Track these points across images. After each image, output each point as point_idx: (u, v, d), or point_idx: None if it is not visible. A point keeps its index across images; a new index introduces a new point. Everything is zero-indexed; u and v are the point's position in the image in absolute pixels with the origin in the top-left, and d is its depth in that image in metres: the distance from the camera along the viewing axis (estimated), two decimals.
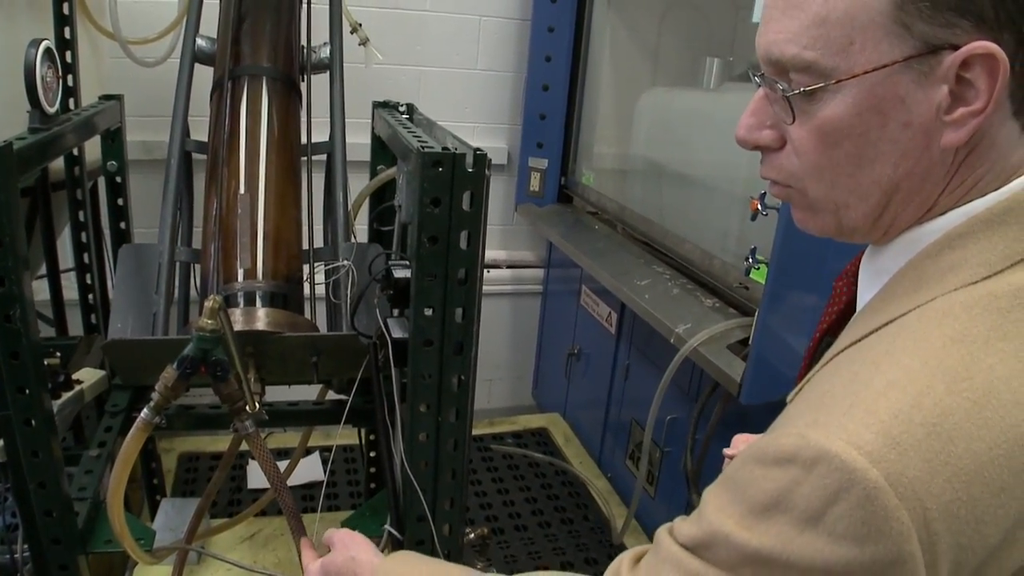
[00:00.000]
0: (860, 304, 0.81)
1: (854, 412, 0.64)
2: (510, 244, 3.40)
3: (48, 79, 1.45)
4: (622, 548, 2.21)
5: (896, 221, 0.74)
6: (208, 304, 1.13)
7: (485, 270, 3.32)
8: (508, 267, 3.39)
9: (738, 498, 0.69)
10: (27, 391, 1.31)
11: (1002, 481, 0.61)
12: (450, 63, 3.10)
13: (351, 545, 1.14)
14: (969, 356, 0.64)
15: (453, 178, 1.24)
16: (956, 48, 0.65)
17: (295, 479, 2.54)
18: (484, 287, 3.33)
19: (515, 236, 3.39)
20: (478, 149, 1.26)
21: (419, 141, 1.35)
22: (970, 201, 0.71)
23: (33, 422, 1.34)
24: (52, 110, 1.45)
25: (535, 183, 3.12)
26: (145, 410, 1.14)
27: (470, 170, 1.24)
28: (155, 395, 1.14)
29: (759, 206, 1.81)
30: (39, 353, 1.33)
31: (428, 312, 1.30)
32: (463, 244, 1.28)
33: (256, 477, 2.66)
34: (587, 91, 3.05)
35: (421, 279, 1.28)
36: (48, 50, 1.45)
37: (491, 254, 3.37)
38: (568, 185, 3.14)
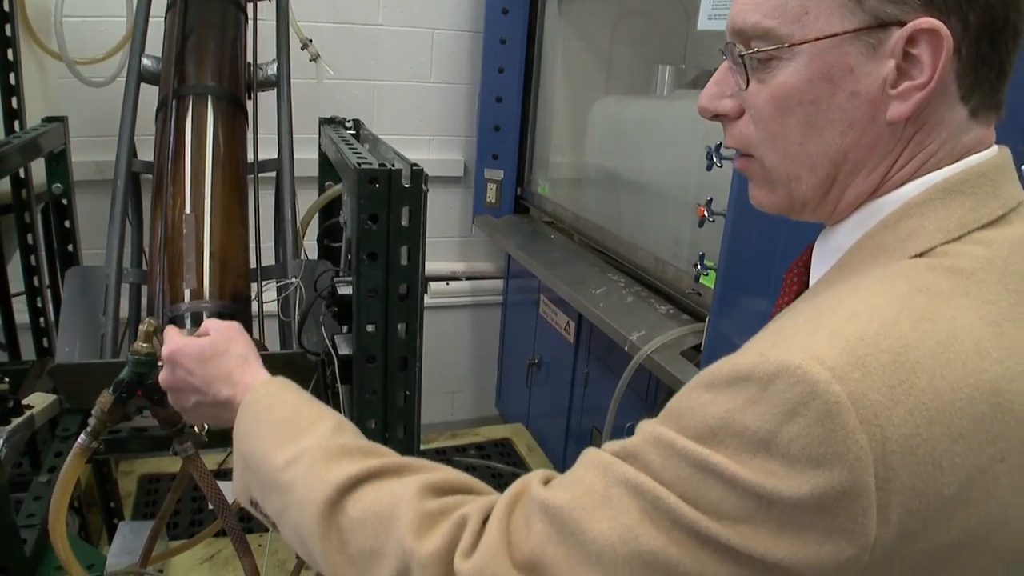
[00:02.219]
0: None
1: (818, 333, 0.63)
2: (469, 256, 3.41)
3: None
4: None
5: (845, 195, 0.76)
6: (142, 327, 1.13)
7: (444, 283, 3.35)
8: (467, 279, 3.40)
9: (680, 425, 0.65)
10: None
11: (961, 427, 0.60)
12: (404, 76, 3.11)
13: (232, 339, 1.06)
14: (932, 304, 0.64)
15: (390, 194, 1.24)
16: (903, 24, 0.68)
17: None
18: (444, 299, 3.36)
19: (473, 247, 3.40)
20: (415, 164, 1.26)
21: (358, 157, 1.36)
22: (926, 174, 0.73)
23: None
24: None
25: (491, 194, 3.14)
26: (82, 435, 1.13)
27: (407, 185, 1.25)
28: (92, 420, 1.13)
29: (706, 212, 1.84)
30: None
31: (370, 328, 1.31)
32: (403, 259, 1.29)
33: (230, 494, 2.64)
34: (541, 101, 3.08)
35: (362, 296, 1.29)
36: None
37: (450, 266, 3.38)
38: (524, 195, 3.16)
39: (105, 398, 1.13)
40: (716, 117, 0.81)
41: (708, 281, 1.91)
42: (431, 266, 3.37)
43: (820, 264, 0.82)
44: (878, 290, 0.66)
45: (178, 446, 1.22)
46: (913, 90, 0.70)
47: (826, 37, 0.70)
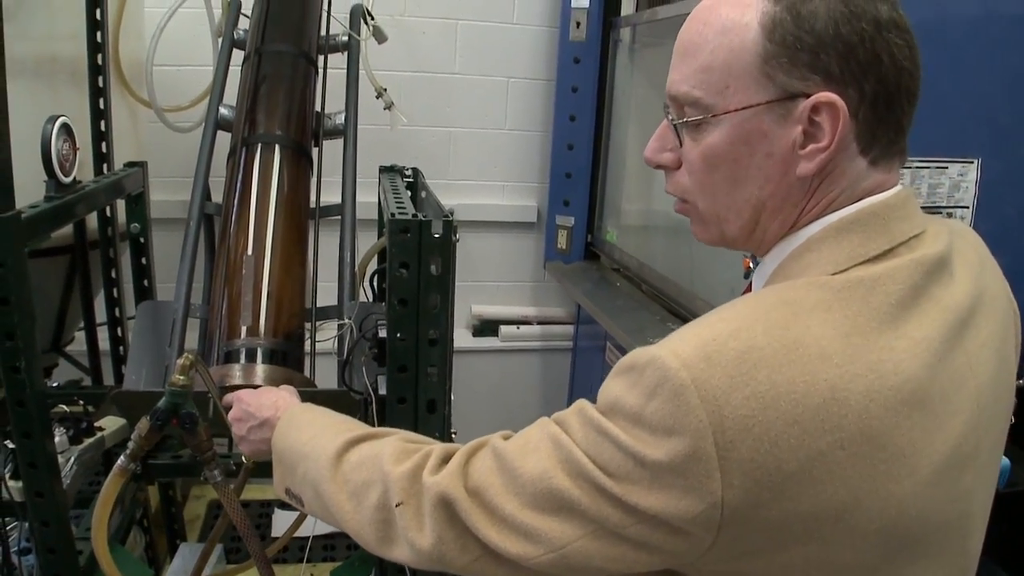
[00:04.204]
0: None
1: (685, 334, 0.78)
2: (540, 300, 3.45)
3: (64, 151, 1.57)
4: None
5: (767, 235, 0.89)
6: (180, 361, 1.22)
7: (515, 327, 3.39)
8: (538, 323, 3.44)
9: (596, 400, 0.83)
10: (31, 436, 1.41)
11: (796, 414, 0.73)
12: (479, 124, 3.20)
13: (283, 390, 1.33)
14: (792, 314, 0.78)
15: (420, 244, 1.31)
16: (808, 96, 0.81)
17: (307, 530, 2.60)
18: (516, 343, 3.39)
19: (545, 293, 3.44)
20: (447, 216, 1.33)
21: (396, 207, 1.43)
22: (828, 215, 0.86)
23: (37, 465, 1.43)
24: (67, 179, 1.57)
25: (562, 240, 3.19)
26: (121, 457, 1.22)
27: (436, 235, 1.31)
28: (131, 444, 1.22)
29: (751, 264, 1.84)
30: (44, 402, 1.43)
31: (402, 372, 1.37)
32: (434, 307, 1.35)
33: (281, 524, 2.73)
34: (612, 148, 3.11)
35: (394, 340, 1.35)
36: (65, 125, 1.57)
37: (522, 310, 3.43)
38: (594, 242, 3.19)
39: (143, 424, 1.22)
40: (659, 167, 0.94)
41: None
42: (503, 310, 3.43)
43: (756, 284, 0.94)
44: (751, 302, 0.81)
45: (208, 473, 1.29)
46: (817, 152, 0.82)
47: (743, 108, 0.84)
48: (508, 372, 3.43)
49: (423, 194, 1.91)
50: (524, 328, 3.42)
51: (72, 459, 1.75)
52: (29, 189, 1.60)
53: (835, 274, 0.81)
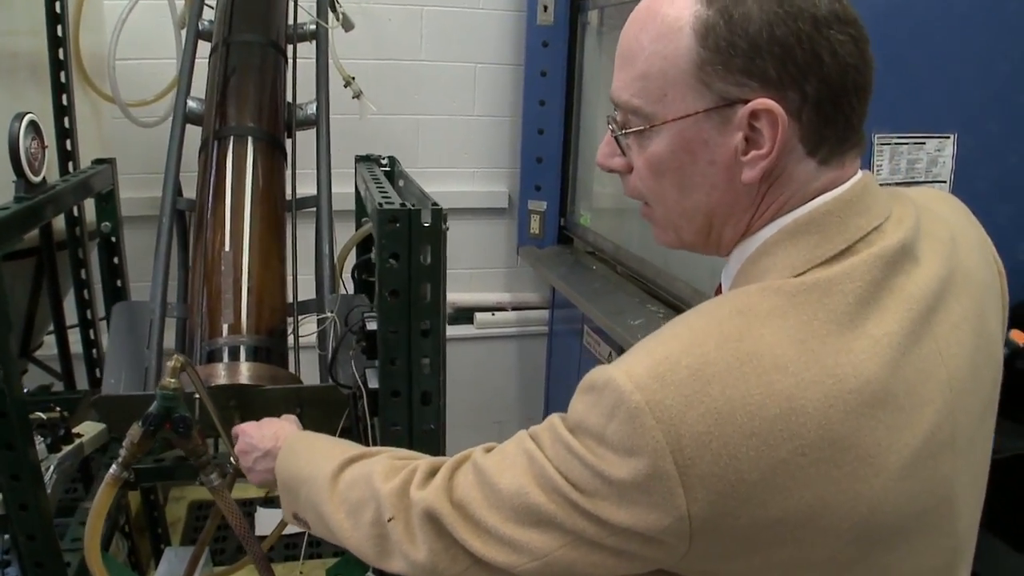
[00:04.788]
0: None
1: (639, 353, 0.79)
2: (514, 286, 3.43)
3: (33, 150, 1.52)
4: None
5: (723, 239, 0.89)
6: (171, 363, 1.18)
7: (490, 313, 3.37)
8: (513, 309, 3.42)
9: (565, 417, 0.83)
10: (13, 447, 1.36)
11: (753, 426, 0.73)
12: (447, 110, 3.16)
13: (284, 420, 1.35)
14: (746, 325, 0.77)
15: (410, 233, 1.28)
16: (746, 103, 0.79)
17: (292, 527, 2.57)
18: (490, 330, 3.37)
19: (519, 278, 3.42)
20: (435, 204, 1.30)
21: (382, 196, 1.40)
22: (781, 217, 0.85)
23: (20, 477, 1.39)
24: (36, 179, 1.52)
25: (535, 225, 3.17)
26: (113, 466, 1.18)
27: (427, 224, 1.28)
28: (122, 451, 1.19)
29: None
30: (25, 411, 1.38)
31: (394, 363, 1.34)
32: (425, 297, 1.32)
33: (264, 524, 2.69)
34: (582, 132, 3.10)
35: (385, 332, 1.32)
36: (32, 123, 1.52)
37: (496, 297, 3.41)
38: (568, 226, 3.18)
39: (135, 430, 1.18)
40: (612, 171, 0.93)
41: None
42: (477, 297, 3.40)
43: (724, 286, 0.94)
44: (705, 313, 0.81)
45: (204, 477, 1.26)
46: (758, 159, 0.81)
47: (682, 117, 0.82)
48: (484, 359, 3.41)
49: (401, 183, 1.88)
50: (499, 314, 3.40)
51: (52, 468, 1.71)
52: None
53: (793, 277, 0.81)
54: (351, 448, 1.13)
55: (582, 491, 0.79)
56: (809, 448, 0.73)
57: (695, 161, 0.84)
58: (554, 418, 0.85)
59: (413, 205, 1.29)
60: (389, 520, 0.95)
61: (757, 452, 0.73)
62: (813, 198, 0.84)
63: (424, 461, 1.00)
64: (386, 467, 1.00)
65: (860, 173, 0.86)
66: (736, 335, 0.76)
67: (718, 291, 1.00)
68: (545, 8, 2.97)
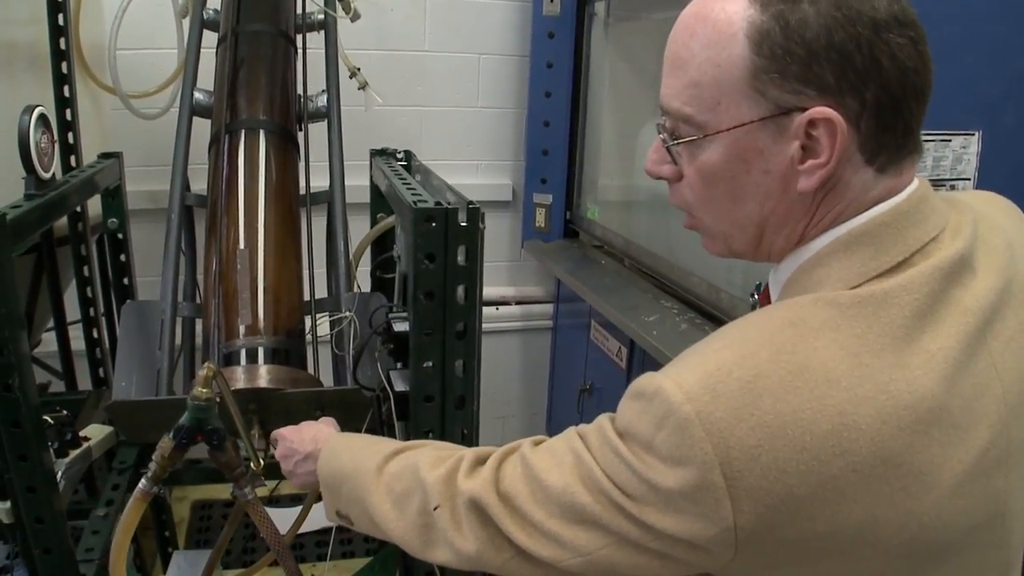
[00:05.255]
0: None
1: (690, 362, 0.78)
2: (518, 280, 3.39)
3: (43, 145, 1.45)
4: None
5: (774, 248, 0.87)
6: (202, 373, 1.13)
7: (494, 307, 3.32)
8: (517, 303, 3.38)
9: (614, 419, 0.83)
10: (27, 458, 1.31)
11: (804, 442, 0.72)
12: (451, 102, 3.11)
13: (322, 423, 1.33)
14: (799, 336, 0.76)
15: (447, 233, 1.23)
16: (804, 111, 0.76)
17: (305, 526, 2.52)
18: (494, 324, 3.33)
19: (523, 272, 3.38)
20: (471, 202, 1.25)
21: (413, 194, 1.35)
22: (836, 227, 0.82)
23: (36, 489, 1.33)
24: (47, 175, 1.46)
25: (540, 219, 3.12)
26: (143, 480, 1.13)
27: (463, 225, 1.23)
28: (152, 465, 1.13)
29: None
30: (39, 420, 1.32)
31: (427, 366, 1.29)
32: (460, 298, 1.27)
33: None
34: (588, 125, 3.05)
35: (419, 334, 1.28)
36: (42, 116, 1.45)
37: (499, 291, 3.36)
38: (573, 220, 3.14)
39: (165, 443, 1.13)
40: (660, 178, 0.91)
41: None
42: None
43: (773, 293, 0.91)
44: (756, 323, 0.80)
45: (238, 491, 1.21)
46: (816, 167, 0.78)
47: (736, 127, 0.80)
48: (487, 354, 3.31)
49: (417, 177, 1.83)
50: (502, 309, 3.36)
51: (60, 473, 1.65)
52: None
53: (847, 290, 0.79)
54: (393, 443, 1.13)
55: (628, 495, 0.79)
56: (861, 464, 0.72)
57: (749, 171, 0.82)
58: (603, 420, 0.85)
59: (449, 204, 1.24)
60: (435, 508, 0.95)
61: (807, 467, 0.72)
62: (869, 207, 0.81)
63: (471, 451, 0.99)
64: (432, 457, 1.00)
65: (916, 181, 0.84)
66: (789, 347, 0.75)
67: (764, 295, 0.98)
68: None
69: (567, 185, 3.10)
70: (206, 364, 1.13)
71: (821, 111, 0.76)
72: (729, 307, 2.12)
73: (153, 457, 1.13)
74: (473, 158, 3.20)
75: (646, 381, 0.79)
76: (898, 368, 0.74)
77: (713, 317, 2.24)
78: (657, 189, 2.75)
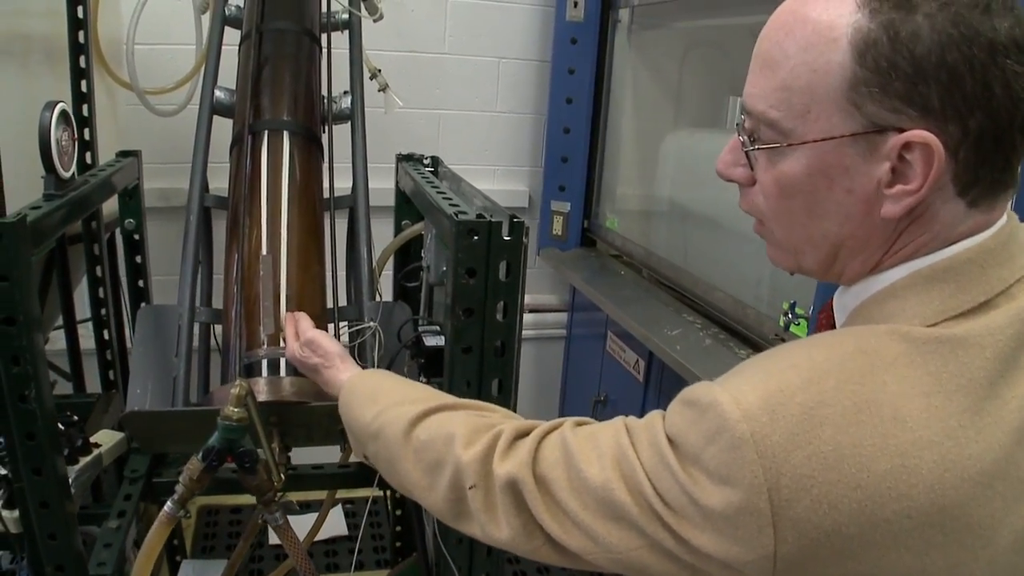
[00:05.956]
0: None
1: (752, 379, 0.74)
2: (532, 288, 3.33)
3: (64, 142, 1.40)
4: None
5: (846, 271, 0.82)
6: (234, 391, 1.07)
7: None
8: (530, 311, 3.32)
9: (664, 421, 0.80)
10: (42, 472, 1.25)
11: (860, 479, 0.68)
12: (469, 106, 3.06)
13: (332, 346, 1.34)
14: (870, 367, 0.71)
15: (489, 247, 1.18)
16: (901, 131, 0.71)
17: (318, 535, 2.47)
18: None
19: (537, 280, 3.32)
20: (515, 216, 1.20)
21: (452, 206, 1.30)
22: (916, 259, 0.77)
23: (49, 504, 1.27)
24: (67, 175, 1.40)
25: (558, 226, 3.07)
26: (169, 503, 1.07)
27: (507, 239, 1.18)
28: (179, 487, 1.08)
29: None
30: (55, 433, 1.27)
31: (466, 387, 1.24)
32: (499, 315, 1.22)
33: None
34: (609, 133, 2.99)
35: (456, 352, 1.22)
36: (64, 113, 1.40)
37: None
38: (591, 228, 3.08)
39: (194, 465, 1.07)
40: (731, 181, 0.86)
41: (799, 331, 1.82)
42: None
43: (838, 314, 0.87)
44: (826, 345, 0.75)
45: (268, 515, 1.15)
46: (904, 194, 0.73)
47: (824, 139, 0.74)
48: None
49: (444, 184, 1.77)
50: None
51: (70, 482, 1.59)
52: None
53: (923, 327, 0.74)
54: (420, 396, 1.09)
55: (668, 504, 0.76)
56: (916, 511, 0.68)
57: (831, 187, 0.76)
58: (655, 418, 0.81)
59: (492, 216, 1.19)
60: (470, 488, 0.92)
61: (860, 506, 0.68)
62: (955, 242, 0.76)
63: (509, 426, 0.95)
64: (468, 429, 0.96)
65: (1005, 217, 0.78)
66: (857, 378, 0.71)
67: (824, 314, 0.94)
68: (575, 4, 2.86)
69: (586, 193, 3.04)
70: (238, 383, 1.08)
71: (920, 135, 0.70)
72: (756, 323, 2.07)
73: (180, 479, 1.08)
74: (490, 163, 3.14)
75: (703, 390, 0.75)
76: (969, 414, 0.70)
77: (738, 334, 2.18)
78: (680, 202, 2.72)
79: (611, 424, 0.86)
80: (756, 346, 2.09)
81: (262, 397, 1.42)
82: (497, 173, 3.16)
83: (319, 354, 1.32)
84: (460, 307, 1.19)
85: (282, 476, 1.32)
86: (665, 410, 0.82)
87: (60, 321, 2.20)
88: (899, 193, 0.73)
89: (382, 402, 1.11)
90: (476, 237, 1.17)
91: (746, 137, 0.81)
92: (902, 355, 0.72)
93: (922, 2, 0.69)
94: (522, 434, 0.92)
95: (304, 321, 1.43)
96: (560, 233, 3.07)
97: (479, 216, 1.19)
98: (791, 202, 0.79)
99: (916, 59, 0.69)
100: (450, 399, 1.08)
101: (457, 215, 1.18)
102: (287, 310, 1.56)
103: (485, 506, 0.91)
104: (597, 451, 0.83)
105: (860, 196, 0.75)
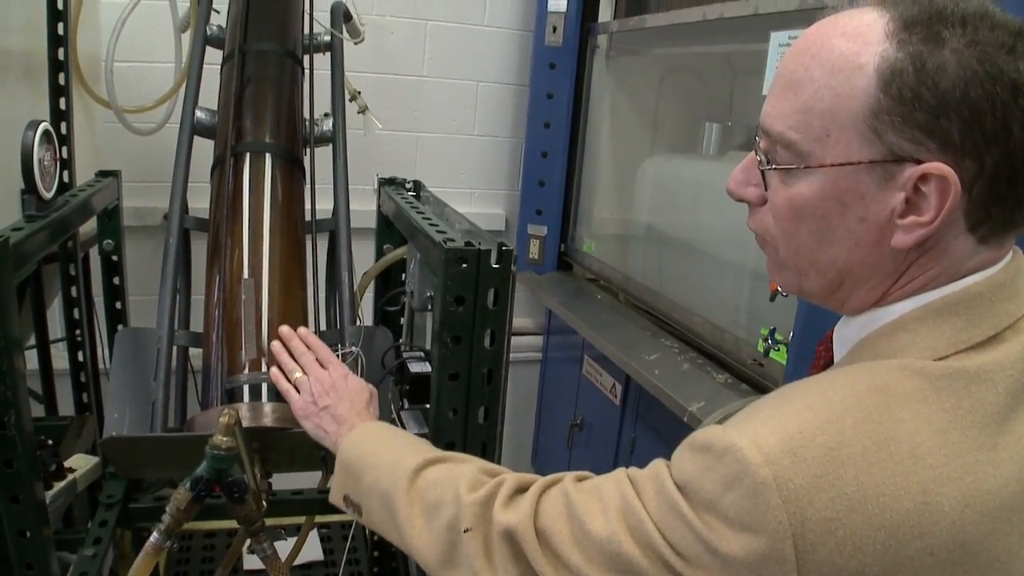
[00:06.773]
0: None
1: (769, 421, 0.73)
2: None
3: (46, 162, 1.38)
4: None
5: (850, 299, 0.82)
6: (223, 420, 1.06)
7: None
8: None
9: (670, 470, 0.79)
10: (21, 500, 1.22)
11: (884, 519, 0.68)
12: (447, 128, 3.07)
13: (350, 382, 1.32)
14: (886, 405, 0.72)
15: (478, 275, 1.18)
16: (919, 163, 0.72)
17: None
18: None
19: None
20: (503, 244, 1.20)
21: (439, 232, 1.29)
22: (925, 292, 0.78)
23: (28, 533, 1.25)
24: (49, 195, 1.39)
25: (534, 250, 3.07)
26: (155, 534, 1.06)
27: (495, 266, 1.18)
28: (166, 518, 1.06)
29: (779, 287, 1.76)
30: (34, 458, 1.25)
31: (453, 415, 1.23)
32: (487, 343, 1.22)
33: (254, 558, 2.55)
34: (587, 157, 3.01)
35: (442, 379, 1.22)
36: (47, 132, 1.38)
37: None
38: (568, 252, 3.09)
39: (181, 495, 1.06)
40: (741, 200, 0.87)
41: (779, 356, 1.83)
42: None
43: (839, 347, 0.87)
44: (840, 384, 0.75)
45: (256, 546, 1.14)
46: (917, 225, 0.74)
47: (842, 164, 0.75)
48: None
49: (442, 210, 1.77)
50: None
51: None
52: None
53: (934, 360, 0.75)
54: (435, 449, 1.10)
55: (680, 555, 0.74)
56: (939, 548, 0.69)
57: (844, 214, 0.77)
58: (660, 467, 0.80)
59: (480, 244, 1.19)
60: (466, 531, 0.91)
61: (884, 546, 0.68)
62: (963, 276, 0.77)
63: (512, 477, 0.95)
64: (473, 476, 0.97)
65: (1011, 253, 0.80)
66: (875, 416, 0.71)
67: (823, 347, 0.95)
68: (554, 29, 2.88)
69: (563, 217, 3.06)
70: (226, 410, 1.06)
71: (938, 167, 0.71)
72: (734, 348, 2.09)
73: (167, 509, 1.06)
74: (468, 186, 3.15)
75: (716, 435, 0.74)
76: (985, 449, 0.71)
77: (716, 358, 2.20)
78: (658, 227, 2.73)
79: (613, 476, 0.85)
80: (734, 371, 2.11)
81: (245, 423, 1.40)
82: (474, 196, 3.16)
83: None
84: (448, 335, 1.19)
85: (264, 503, 1.31)
86: (659, 445, 0.80)
87: (32, 341, 2.17)
88: (911, 224, 0.74)
89: (399, 444, 1.12)
90: (465, 265, 1.16)
91: (763, 156, 0.81)
92: (916, 391, 0.72)
93: (950, 37, 0.70)
94: (524, 486, 0.92)
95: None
96: (537, 257, 3.07)
97: (467, 244, 1.19)
98: (802, 225, 0.80)
99: (940, 92, 0.70)
100: (463, 456, 1.09)
101: (446, 243, 1.18)
102: (269, 335, 1.55)
103: (481, 553, 0.90)
104: (601, 504, 0.82)
105: (872, 224, 0.76)
